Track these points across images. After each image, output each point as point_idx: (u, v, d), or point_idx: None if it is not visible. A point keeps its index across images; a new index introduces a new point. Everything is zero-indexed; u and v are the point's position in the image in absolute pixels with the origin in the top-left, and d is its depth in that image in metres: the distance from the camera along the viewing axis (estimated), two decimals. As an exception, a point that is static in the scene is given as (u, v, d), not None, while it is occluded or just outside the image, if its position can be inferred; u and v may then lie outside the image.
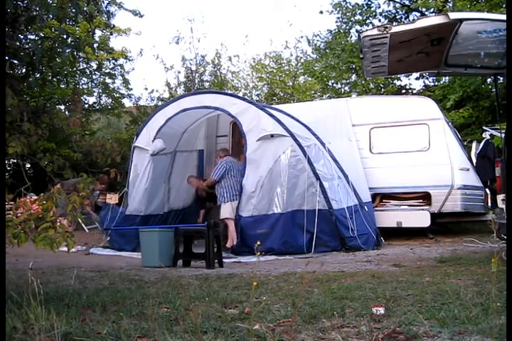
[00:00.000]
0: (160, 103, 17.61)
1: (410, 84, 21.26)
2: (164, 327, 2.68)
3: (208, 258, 6.08)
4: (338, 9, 16.28)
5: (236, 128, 9.44)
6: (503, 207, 5.28)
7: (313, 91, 19.74)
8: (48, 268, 5.58)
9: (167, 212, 9.04)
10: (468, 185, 8.62)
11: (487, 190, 9.02)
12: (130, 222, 8.22)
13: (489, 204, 8.93)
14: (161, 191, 8.99)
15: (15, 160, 10.26)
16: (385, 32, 5.14)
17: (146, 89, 22.37)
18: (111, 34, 17.18)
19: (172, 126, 8.86)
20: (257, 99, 19.48)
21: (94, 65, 16.86)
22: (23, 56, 3.66)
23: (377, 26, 5.38)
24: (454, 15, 5.10)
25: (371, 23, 15.89)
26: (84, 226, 11.02)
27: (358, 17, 16.05)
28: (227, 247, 7.72)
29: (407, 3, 16.14)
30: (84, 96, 16.89)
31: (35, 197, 3.28)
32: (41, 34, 4.93)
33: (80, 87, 16.67)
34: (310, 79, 19.26)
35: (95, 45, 16.01)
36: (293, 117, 8.54)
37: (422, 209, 8.62)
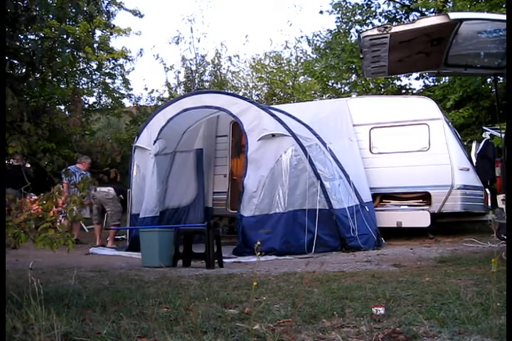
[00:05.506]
0: (160, 103, 17.60)
1: (410, 84, 21.24)
2: (164, 327, 2.68)
3: (208, 258, 6.08)
4: (338, 9, 16.26)
5: (236, 128, 9.45)
6: (503, 207, 5.29)
7: (313, 92, 19.72)
8: (47, 268, 5.58)
9: (162, 212, 8.98)
10: (468, 185, 8.62)
11: (487, 190, 9.02)
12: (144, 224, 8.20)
13: (489, 204, 8.94)
14: (160, 191, 8.98)
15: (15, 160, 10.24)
16: (385, 32, 5.14)
17: (146, 89, 22.33)
18: (111, 34, 17.17)
19: (173, 127, 8.85)
20: (257, 99, 19.46)
21: (94, 65, 16.87)
22: (23, 56, 3.65)
23: (377, 26, 5.37)
24: (454, 15, 5.09)
25: (371, 23, 15.89)
26: (84, 226, 11.02)
27: (358, 17, 16.04)
28: None
29: (407, 3, 16.13)
30: (84, 96, 16.89)
31: (35, 197, 3.27)
32: (41, 34, 4.92)
33: (80, 87, 16.67)
34: (310, 79, 19.24)
35: (95, 45, 16.01)
36: (294, 117, 8.54)
37: (422, 209, 8.62)
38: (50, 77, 12.08)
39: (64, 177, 7.66)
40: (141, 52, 17.96)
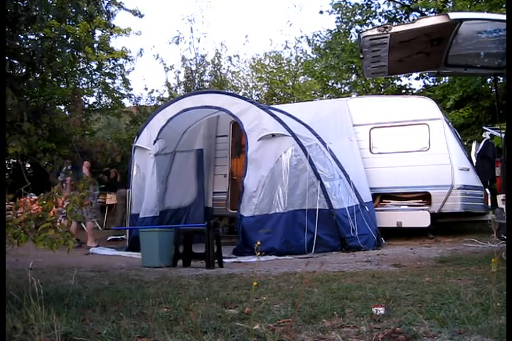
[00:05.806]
0: (160, 103, 17.57)
1: (410, 84, 21.21)
2: (164, 327, 2.68)
3: (208, 258, 6.08)
4: (338, 9, 16.25)
5: (236, 128, 9.45)
6: (503, 207, 5.29)
7: (313, 92, 19.71)
8: (47, 268, 5.58)
9: (162, 212, 8.97)
10: (468, 185, 8.63)
11: (487, 190, 9.02)
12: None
13: (489, 204, 8.94)
14: (160, 191, 8.98)
15: (15, 160, 10.25)
16: (385, 32, 5.14)
17: (146, 89, 22.28)
18: (111, 34, 17.15)
19: (173, 127, 8.86)
20: (257, 99, 19.45)
21: (94, 65, 16.84)
22: (23, 56, 3.66)
23: (377, 26, 5.37)
24: (454, 15, 5.09)
25: (371, 23, 15.88)
26: (84, 226, 11.00)
27: (358, 17, 16.04)
28: None
29: (407, 3, 16.13)
30: (84, 96, 16.87)
31: (35, 197, 3.27)
32: (41, 34, 4.92)
33: (80, 87, 16.66)
34: (310, 79, 19.23)
35: (95, 45, 15.99)
36: (294, 117, 8.54)
37: (422, 209, 8.63)
38: (50, 77, 12.08)
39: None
40: (141, 52, 17.94)
